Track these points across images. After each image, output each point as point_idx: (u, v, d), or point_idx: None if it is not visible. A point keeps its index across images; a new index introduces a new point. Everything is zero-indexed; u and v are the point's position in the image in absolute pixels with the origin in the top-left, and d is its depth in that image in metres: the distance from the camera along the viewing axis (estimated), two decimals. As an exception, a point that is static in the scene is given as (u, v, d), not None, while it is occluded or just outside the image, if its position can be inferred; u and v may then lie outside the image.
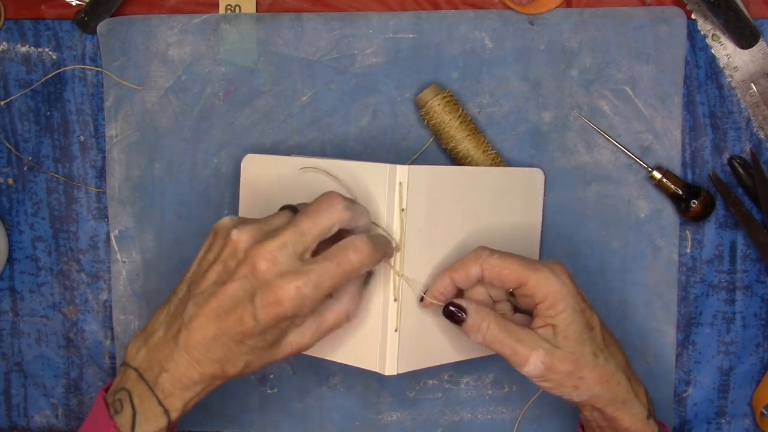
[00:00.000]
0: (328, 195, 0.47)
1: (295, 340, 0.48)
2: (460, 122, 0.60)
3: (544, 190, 0.62)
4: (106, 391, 0.50)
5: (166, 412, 0.48)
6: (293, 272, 0.44)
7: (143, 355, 0.49)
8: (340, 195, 0.47)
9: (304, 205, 0.49)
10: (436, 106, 0.60)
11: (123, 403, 0.48)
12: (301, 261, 0.45)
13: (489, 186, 0.56)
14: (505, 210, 0.58)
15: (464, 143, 0.60)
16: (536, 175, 0.61)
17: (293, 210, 0.49)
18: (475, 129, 0.61)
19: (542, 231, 0.63)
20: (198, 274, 0.48)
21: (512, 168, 0.61)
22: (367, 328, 0.52)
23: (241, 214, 0.59)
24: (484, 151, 0.60)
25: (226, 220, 0.49)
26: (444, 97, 0.60)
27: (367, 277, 0.51)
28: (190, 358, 0.46)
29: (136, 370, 0.48)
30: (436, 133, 0.61)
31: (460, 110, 0.61)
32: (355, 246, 0.46)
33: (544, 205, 0.62)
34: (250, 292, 0.45)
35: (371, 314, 0.51)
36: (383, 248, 0.48)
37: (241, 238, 0.46)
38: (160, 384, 0.47)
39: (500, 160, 0.62)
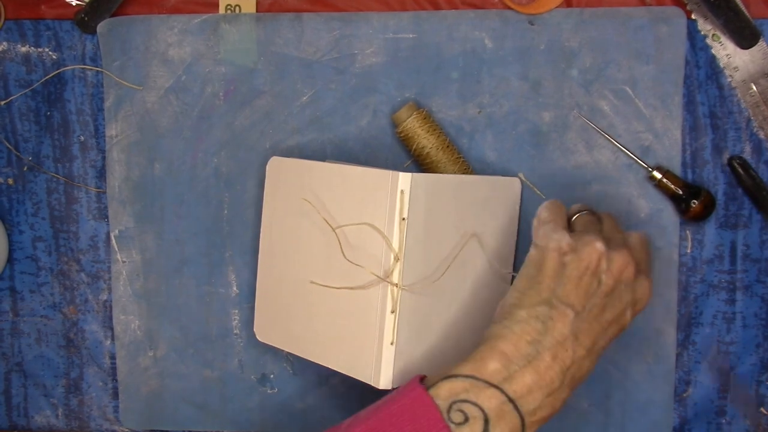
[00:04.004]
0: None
1: None
2: (437, 143, 0.60)
3: (521, 199, 0.62)
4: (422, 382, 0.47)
5: None
6: (646, 273, 0.52)
7: (511, 374, 0.46)
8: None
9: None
10: (414, 124, 0.60)
11: (468, 415, 0.45)
12: None
13: (476, 195, 0.56)
14: (489, 218, 0.58)
15: (443, 164, 0.60)
16: (515, 184, 0.61)
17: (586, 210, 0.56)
18: (449, 145, 0.61)
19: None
20: (561, 292, 0.49)
21: (495, 177, 0.62)
22: (363, 340, 0.51)
23: (264, 215, 0.59)
24: (454, 163, 0.61)
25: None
26: (419, 115, 0.60)
27: None
28: (572, 379, 0.48)
29: (499, 388, 0.45)
30: (412, 149, 0.61)
31: (436, 128, 0.61)
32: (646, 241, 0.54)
33: (520, 213, 0.62)
34: (626, 296, 0.50)
35: (368, 325, 0.51)
36: None
37: (601, 246, 0.49)
38: (532, 406, 0.46)
39: (471, 171, 0.62)
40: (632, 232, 0.54)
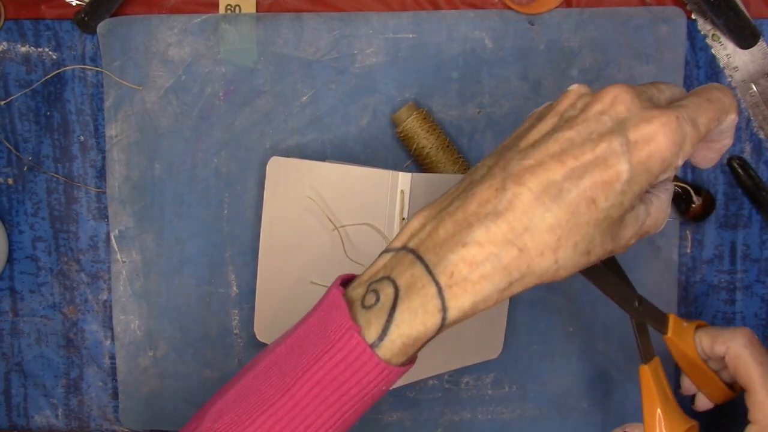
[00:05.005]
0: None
1: (631, 224, 0.36)
2: (437, 143, 0.60)
3: None
4: (344, 285, 0.38)
5: (444, 309, 0.34)
6: (663, 107, 0.35)
7: (428, 232, 0.36)
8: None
9: None
10: (413, 124, 0.60)
11: (380, 294, 0.35)
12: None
13: None
14: None
15: (442, 164, 0.60)
16: None
17: None
18: (449, 145, 0.61)
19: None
20: (518, 137, 0.37)
21: None
22: None
23: (265, 215, 0.59)
24: (454, 163, 0.61)
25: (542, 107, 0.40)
26: (419, 115, 0.60)
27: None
28: (509, 229, 0.33)
29: (413, 251, 0.35)
30: (412, 149, 0.61)
31: (436, 128, 0.61)
32: (718, 87, 0.38)
33: None
34: (612, 128, 0.35)
35: None
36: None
37: (581, 88, 0.38)
38: (447, 265, 0.34)
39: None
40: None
